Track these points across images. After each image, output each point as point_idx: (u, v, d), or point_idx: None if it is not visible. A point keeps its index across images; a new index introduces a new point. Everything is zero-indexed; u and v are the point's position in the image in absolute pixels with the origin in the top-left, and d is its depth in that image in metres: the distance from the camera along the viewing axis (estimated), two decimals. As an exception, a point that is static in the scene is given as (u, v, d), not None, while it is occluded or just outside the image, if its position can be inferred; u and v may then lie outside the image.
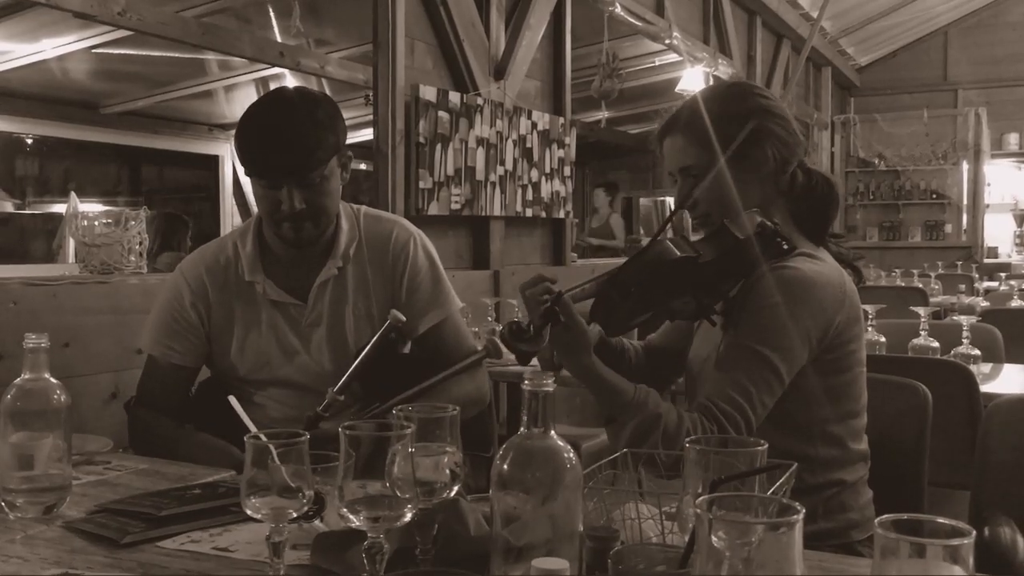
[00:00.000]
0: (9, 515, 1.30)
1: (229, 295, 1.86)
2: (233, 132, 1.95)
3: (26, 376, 1.32)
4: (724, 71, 6.71)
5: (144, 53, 5.68)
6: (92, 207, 7.13)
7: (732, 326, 1.51)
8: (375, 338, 1.73)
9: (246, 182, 8.40)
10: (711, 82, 6.33)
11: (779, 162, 1.58)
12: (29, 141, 7.35)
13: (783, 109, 1.64)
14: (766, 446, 0.98)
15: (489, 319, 3.43)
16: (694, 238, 1.52)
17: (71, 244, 5.88)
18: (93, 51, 5.55)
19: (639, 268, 1.42)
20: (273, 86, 7.22)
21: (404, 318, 1.76)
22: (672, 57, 6.65)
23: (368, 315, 1.85)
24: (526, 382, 0.96)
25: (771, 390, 1.44)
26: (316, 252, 1.84)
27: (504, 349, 1.52)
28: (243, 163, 1.75)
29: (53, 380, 1.33)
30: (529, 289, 1.42)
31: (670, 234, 1.49)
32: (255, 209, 1.88)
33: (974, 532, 0.70)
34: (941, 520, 0.74)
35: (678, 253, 1.43)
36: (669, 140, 1.62)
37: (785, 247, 1.46)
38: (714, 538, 0.73)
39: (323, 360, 1.83)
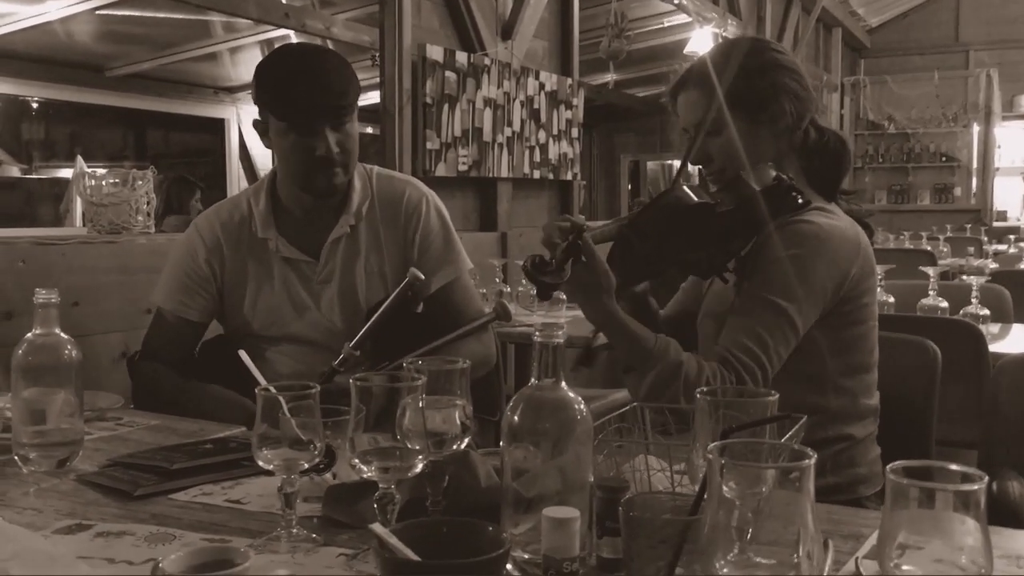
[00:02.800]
0: (23, 468, 1.32)
1: (243, 252, 1.87)
2: (239, 95, 1.95)
3: (37, 331, 1.32)
4: (733, 32, 6.64)
5: (148, 15, 5.64)
6: (98, 171, 7.12)
7: (747, 279, 1.51)
8: (393, 295, 1.75)
9: (253, 144, 8.37)
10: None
11: (795, 117, 1.58)
12: (34, 104, 7.32)
13: (798, 65, 1.63)
14: (776, 396, 0.98)
15: (496, 280, 3.43)
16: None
17: (78, 208, 5.88)
18: (97, 13, 5.51)
19: (658, 211, 1.43)
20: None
21: (423, 276, 1.77)
22: (681, 18, 6.58)
23: (380, 273, 1.86)
24: (536, 333, 0.96)
25: (787, 341, 1.45)
26: (328, 210, 1.85)
27: (512, 311, 1.52)
28: (279, 110, 1.74)
29: (64, 335, 1.34)
30: (554, 222, 1.40)
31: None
32: (261, 173, 1.88)
33: (986, 477, 0.70)
34: (953, 466, 0.74)
35: (696, 199, 1.42)
36: (684, 96, 1.61)
37: (800, 201, 1.46)
38: (725, 488, 0.73)
39: (334, 317, 1.84)
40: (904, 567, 0.74)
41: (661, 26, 7.09)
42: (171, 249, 1.96)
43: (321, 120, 1.72)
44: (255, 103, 1.80)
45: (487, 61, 4.00)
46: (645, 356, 1.42)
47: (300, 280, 1.86)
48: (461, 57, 3.84)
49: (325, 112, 1.72)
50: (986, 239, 7.02)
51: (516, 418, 0.95)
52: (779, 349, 1.43)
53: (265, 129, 1.79)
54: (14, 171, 7.40)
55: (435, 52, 3.69)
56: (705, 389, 1.00)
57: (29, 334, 1.32)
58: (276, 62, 1.80)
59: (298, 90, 1.72)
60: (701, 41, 6.15)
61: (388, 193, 1.90)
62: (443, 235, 1.90)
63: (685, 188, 1.45)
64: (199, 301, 1.87)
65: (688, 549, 0.82)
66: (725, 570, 0.71)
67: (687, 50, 6.28)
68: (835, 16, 9.32)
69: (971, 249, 5.73)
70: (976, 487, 0.70)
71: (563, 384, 0.96)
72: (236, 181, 8.50)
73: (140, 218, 2.55)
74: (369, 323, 1.72)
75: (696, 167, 1.65)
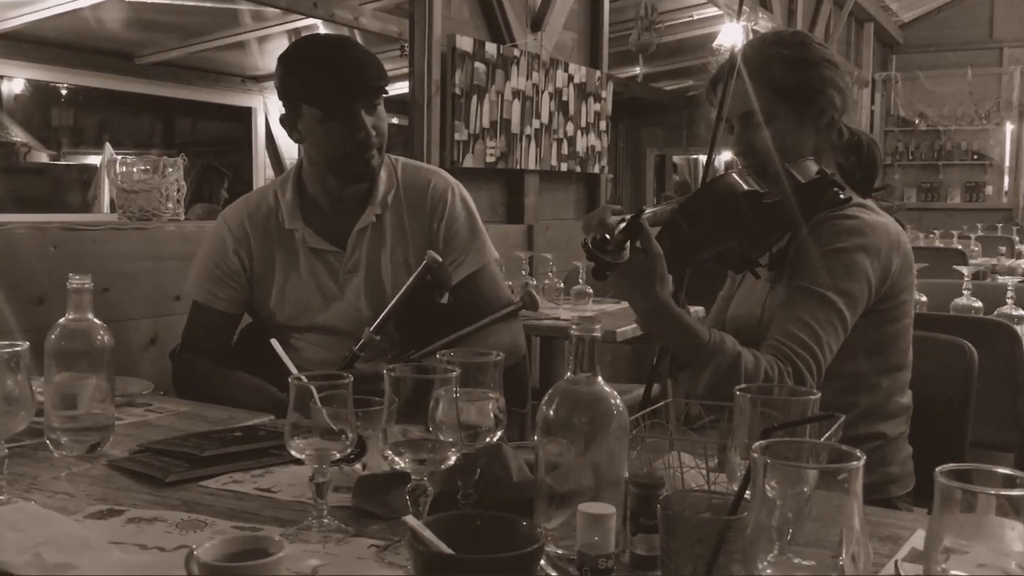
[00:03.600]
0: (54, 453, 1.32)
1: (270, 243, 1.88)
2: (267, 84, 1.96)
3: (70, 316, 1.33)
4: (764, 25, 6.58)
5: (178, 3, 5.65)
6: (128, 158, 7.17)
7: (789, 273, 1.49)
8: (411, 278, 1.76)
9: (280, 134, 8.39)
10: (751, 37, 6.21)
11: (839, 111, 1.57)
12: (64, 91, 7.37)
13: (840, 60, 1.62)
14: (819, 396, 0.97)
15: (523, 273, 3.41)
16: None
17: (106, 194, 5.92)
18: (127, 0, 5.54)
19: (709, 196, 1.42)
20: (306, 37, 7.19)
21: (440, 258, 1.78)
22: (711, 11, 6.53)
23: (405, 262, 1.86)
24: (574, 327, 0.94)
25: (837, 334, 1.43)
26: (355, 200, 1.85)
27: (540, 300, 1.51)
28: (315, 96, 1.74)
29: (96, 321, 1.34)
30: (600, 212, 1.36)
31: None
32: (287, 162, 1.89)
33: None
34: (999, 469, 0.72)
35: (746, 187, 1.41)
36: (731, 84, 1.57)
37: (841, 196, 1.44)
38: (767, 487, 0.72)
39: (361, 306, 1.84)
40: (951, 572, 0.72)
41: (691, 19, 7.03)
42: (201, 240, 1.97)
43: (359, 103, 1.74)
44: (281, 97, 1.80)
45: (516, 52, 3.98)
46: (699, 350, 1.36)
47: (327, 270, 1.86)
48: (490, 48, 3.83)
49: (362, 94, 1.74)
50: (1018, 239, 6.91)
51: (551, 412, 0.94)
52: (830, 341, 1.42)
53: (294, 122, 1.79)
54: (43, 157, 7.46)
55: (464, 43, 3.68)
56: (744, 386, 0.98)
57: (62, 319, 1.33)
58: (305, 51, 1.82)
59: (335, 74, 1.73)
60: (731, 34, 6.09)
61: (414, 183, 1.90)
62: (469, 225, 1.90)
63: (735, 175, 1.44)
64: (229, 292, 1.88)
65: (725, 550, 0.80)
66: (768, 571, 0.70)
67: (716, 43, 6.23)
68: (867, 10, 9.22)
69: (1003, 248, 5.64)
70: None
71: (599, 379, 0.95)
72: (262, 170, 8.53)
73: (170, 205, 2.56)
74: (388, 307, 1.74)
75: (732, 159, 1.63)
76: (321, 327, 1.86)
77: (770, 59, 1.53)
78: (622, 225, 1.32)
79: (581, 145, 4.58)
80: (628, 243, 1.32)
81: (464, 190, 1.95)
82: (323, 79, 1.74)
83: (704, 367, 1.36)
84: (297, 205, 1.87)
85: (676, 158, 11.78)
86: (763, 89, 1.53)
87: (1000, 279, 2.84)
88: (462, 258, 1.87)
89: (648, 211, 1.37)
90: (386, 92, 1.78)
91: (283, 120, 1.82)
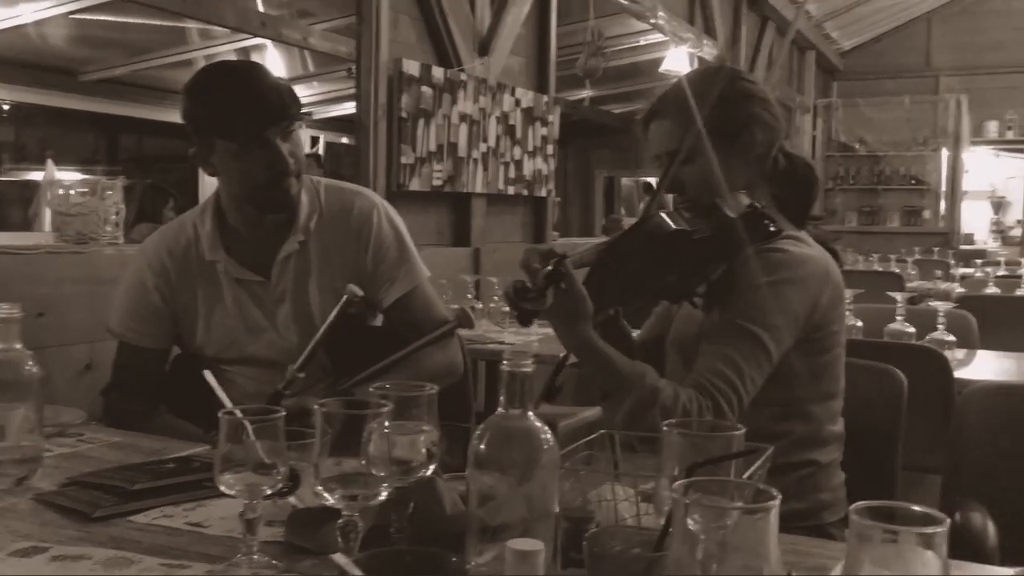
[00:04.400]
0: (-21, 487, 1.29)
1: (191, 276, 1.83)
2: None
3: (-3, 346, 1.30)
4: (709, 52, 6.70)
5: (124, 20, 5.60)
6: (69, 175, 7.05)
7: (719, 306, 1.51)
8: (333, 314, 1.71)
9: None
10: (695, 63, 6.32)
11: (765, 146, 1.60)
12: (6, 107, 7.25)
13: (767, 94, 1.65)
14: (743, 431, 0.98)
15: (469, 296, 3.42)
16: None
17: (48, 212, 5.81)
18: (71, 17, 5.47)
19: (636, 238, 1.43)
20: (254, 56, 7.14)
21: (361, 292, 1.73)
22: (657, 37, 6.62)
23: (333, 289, 1.80)
24: (504, 362, 0.95)
25: (761, 368, 1.45)
26: (277, 227, 1.81)
27: (475, 318, 1.50)
28: (227, 130, 1.69)
29: (25, 350, 1.32)
30: (530, 255, 1.38)
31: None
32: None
33: (948, 520, 0.70)
34: (915, 508, 0.74)
35: (674, 226, 1.43)
36: (656, 124, 1.61)
37: (772, 229, 1.47)
38: (690, 521, 0.73)
39: (290, 335, 1.81)
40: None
41: (637, 44, 7.14)
42: (121, 275, 1.91)
43: (273, 132, 1.68)
44: (190, 130, 1.73)
45: (463, 76, 4.01)
46: (621, 382, 1.41)
47: (253, 301, 1.82)
48: (437, 72, 3.84)
49: (276, 121, 1.69)
50: (953, 262, 7.10)
51: (483, 447, 0.95)
52: (754, 376, 1.44)
53: (207, 156, 1.73)
54: (-17, 173, 7.31)
55: (411, 66, 3.69)
56: (673, 421, 1.00)
57: (-12, 349, 1.30)
58: (213, 81, 1.75)
59: (246, 105, 1.68)
60: (677, 60, 6.20)
61: (337, 205, 1.85)
62: (397, 245, 1.86)
63: (663, 215, 1.46)
64: (152, 328, 1.84)
65: (652, 584, 0.82)
66: (689, 609, 0.71)
67: (663, 68, 6.33)
68: (809, 39, 9.43)
69: (939, 272, 5.80)
70: (939, 529, 0.71)
71: (530, 413, 0.96)
72: (208, 188, 8.43)
73: (108, 228, 2.52)
74: (310, 345, 1.69)
75: (669, 195, 1.65)
76: (251, 358, 1.82)
77: (692, 98, 1.56)
78: (546, 270, 1.33)
79: (528, 169, 4.62)
80: (550, 289, 1.33)
81: (391, 209, 1.91)
82: (235, 109, 1.68)
83: (622, 399, 1.40)
84: (217, 235, 1.82)
85: (625, 180, 11.91)
86: (685, 128, 1.56)
87: (935, 304, 2.91)
88: (392, 280, 1.84)
89: (573, 255, 1.39)
90: (300, 119, 1.74)
91: (194, 155, 1.75)
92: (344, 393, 1.64)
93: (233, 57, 7.16)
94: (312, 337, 1.72)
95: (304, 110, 1.77)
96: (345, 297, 1.71)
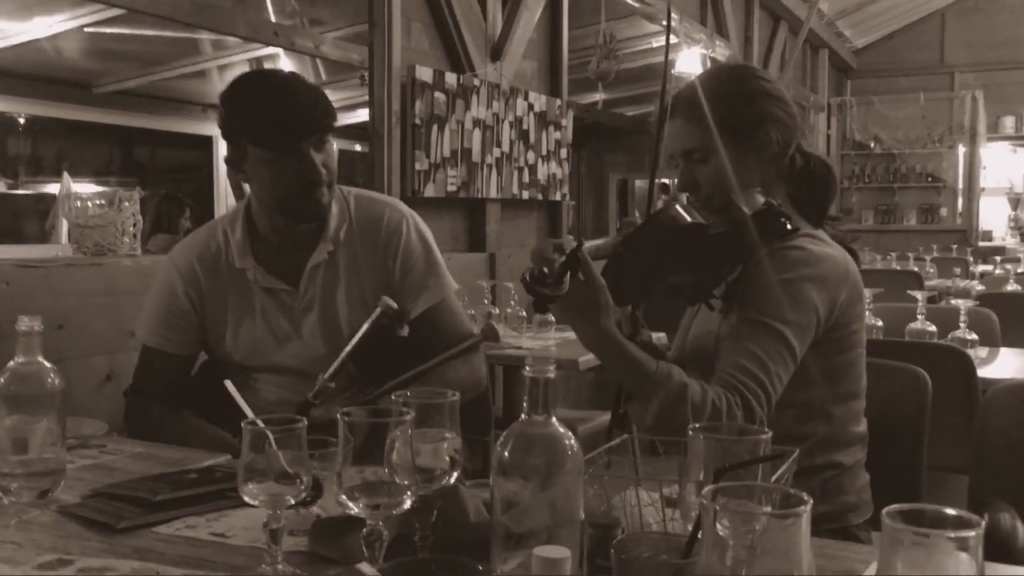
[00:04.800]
0: (3, 499, 1.29)
1: (221, 283, 1.84)
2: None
3: (19, 360, 1.30)
4: (721, 53, 6.68)
5: (137, 32, 5.63)
6: (85, 187, 7.10)
7: (738, 305, 1.50)
8: (366, 325, 1.72)
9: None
10: (708, 64, 6.31)
11: (780, 144, 1.58)
12: (21, 120, 7.30)
13: (783, 92, 1.63)
14: (770, 434, 0.97)
15: (485, 302, 3.42)
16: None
17: (64, 224, 5.85)
18: (86, 30, 5.50)
19: (652, 230, 1.42)
20: (267, 66, 7.18)
21: (395, 305, 1.74)
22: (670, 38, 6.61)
23: (361, 298, 1.81)
24: (527, 368, 0.94)
25: (786, 364, 1.43)
26: (306, 236, 1.81)
27: (500, 332, 1.51)
28: (262, 137, 1.70)
29: (47, 364, 1.32)
30: (544, 243, 1.36)
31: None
32: (248, 190, 1.85)
33: (983, 522, 0.69)
34: (948, 510, 0.73)
35: (689, 219, 1.42)
36: (670, 124, 1.60)
37: (789, 227, 1.45)
38: (719, 526, 0.72)
39: (316, 344, 1.81)
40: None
41: (649, 46, 7.12)
42: (152, 281, 1.93)
43: (307, 142, 1.69)
44: (225, 136, 1.75)
45: (476, 82, 4.01)
46: (646, 381, 1.37)
47: (281, 309, 1.82)
48: (450, 78, 3.85)
49: (311, 132, 1.70)
50: (972, 259, 7.05)
51: (506, 453, 0.94)
52: (779, 372, 1.42)
53: (239, 162, 1.74)
54: (0, 186, 7.37)
55: (424, 73, 3.69)
56: (698, 424, 0.99)
57: (11, 362, 1.30)
58: (248, 90, 1.76)
59: (282, 113, 1.69)
60: (689, 61, 6.18)
61: (367, 216, 1.86)
62: (425, 257, 1.86)
63: (678, 208, 1.45)
64: (180, 334, 1.84)
65: (681, 590, 0.81)
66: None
67: (675, 70, 6.31)
68: (822, 37, 9.39)
69: (957, 270, 5.75)
70: (974, 533, 0.69)
71: (553, 419, 0.95)
72: (224, 198, 8.47)
73: (126, 239, 2.53)
74: (342, 355, 1.69)
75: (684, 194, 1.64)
76: (277, 367, 1.82)
77: (706, 97, 1.55)
78: (562, 259, 1.32)
79: (542, 173, 4.61)
80: (567, 276, 1.31)
81: (420, 221, 1.91)
82: (269, 119, 1.69)
83: (651, 398, 1.36)
84: (247, 243, 1.82)
85: (639, 182, 11.89)
86: (699, 127, 1.55)
87: (954, 301, 2.89)
88: (420, 292, 1.84)
89: (590, 244, 1.38)
90: (334, 130, 1.74)
91: (228, 160, 1.77)
92: (370, 403, 1.64)
93: (246, 67, 7.20)
94: (339, 347, 1.73)
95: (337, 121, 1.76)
96: (379, 309, 1.72)
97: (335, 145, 1.78)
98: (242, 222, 1.84)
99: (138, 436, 1.76)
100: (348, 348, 1.70)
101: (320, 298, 1.82)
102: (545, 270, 1.30)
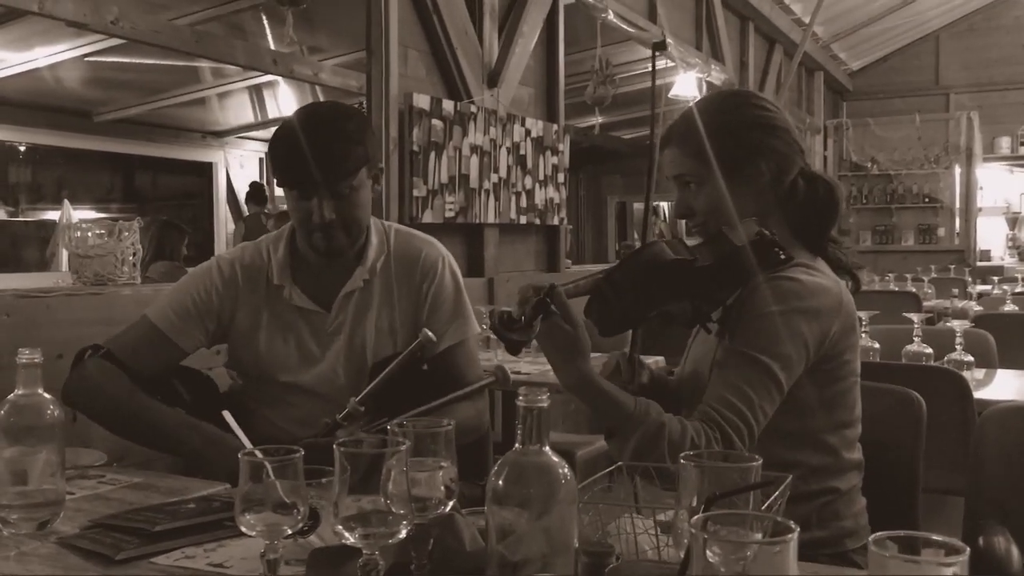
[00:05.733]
0: (3, 531, 1.30)
1: (258, 296, 1.88)
2: (228, 139, 1.97)
3: (19, 392, 1.31)
4: (717, 77, 6.73)
5: (137, 61, 5.68)
6: (86, 214, 7.13)
7: (729, 334, 1.50)
8: (403, 355, 1.76)
9: (239, 189, 8.40)
10: (704, 88, 6.35)
11: (775, 174, 1.58)
12: (22, 149, 7.35)
13: (782, 119, 1.62)
14: (760, 461, 0.98)
15: (483, 327, 3.42)
16: (691, 243, 1.53)
17: (64, 252, 5.88)
18: (86, 59, 5.56)
19: (634, 267, 1.42)
20: (266, 93, 7.25)
21: (435, 338, 1.79)
22: (665, 63, 6.66)
23: (390, 329, 1.87)
24: (520, 398, 0.96)
25: (771, 398, 1.43)
26: (345, 263, 1.86)
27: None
28: (274, 174, 1.83)
29: (47, 396, 1.33)
30: (527, 285, 1.37)
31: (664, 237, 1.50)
32: (247, 214, 1.90)
33: (968, 549, 0.70)
34: (936, 537, 0.74)
35: (673, 255, 1.43)
36: (667, 151, 1.62)
37: (782, 257, 1.45)
38: (709, 554, 0.73)
39: (339, 369, 1.85)
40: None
41: (646, 70, 7.16)
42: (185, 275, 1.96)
43: (314, 189, 1.75)
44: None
45: (473, 108, 4.04)
46: (624, 420, 1.39)
47: (309, 330, 1.86)
48: (448, 105, 3.88)
49: (315, 183, 1.74)
50: (970, 279, 7.07)
51: (500, 482, 0.95)
52: (764, 406, 1.42)
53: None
54: (1, 214, 7.40)
55: (422, 100, 3.73)
56: (690, 453, 1.00)
57: (11, 395, 1.32)
58: (281, 129, 1.82)
59: (290, 162, 1.76)
60: (685, 85, 6.23)
61: (405, 251, 1.92)
62: (455, 297, 1.92)
63: (662, 244, 1.45)
64: (192, 330, 1.84)
65: (673, 618, 0.82)
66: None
67: (671, 94, 6.36)
68: (817, 60, 9.47)
69: (955, 290, 5.76)
70: (960, 559, 0.70)
71: (547, 448, 0.96)
72: (224, 224, 8.51)
73: (125, 269, 2.55)
74: (376, 380, 1.73)
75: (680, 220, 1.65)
76: (297, 387, 1.85)
77: (696, 126, 1.56)
78: (534, 300, 1.32)
79: (540, 198, 4.64)
80: (538, 320, 1.31)
81: (455, 263, 1.96)
82: (279, 167, 1.80)
83: (629, 436, 1.37)
84: (288, 263, 1.88)
85: (637, 205, 11.93)
86: (692, 158, 1.56)
87: (952, 323, 2.90)
88: (445, 330, 1.88)
89: (569, 282, 1.38)
90: (350, 178, 1.76)
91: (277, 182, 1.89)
92: (381, 433, 1.66)
93: (245, 95, 7.24)
94: (361, 372, 1.78)
95: (369, 165, 1.79)
96: (419, 339, 1.76)
97: (362, 191, 1.79)
98: (286, 242, 1.90)
99: (78, 403, 1.72)
100: (383, 374, 1.73)
101: (350, 324, 1.86)
102: (513, 315, 1.31)
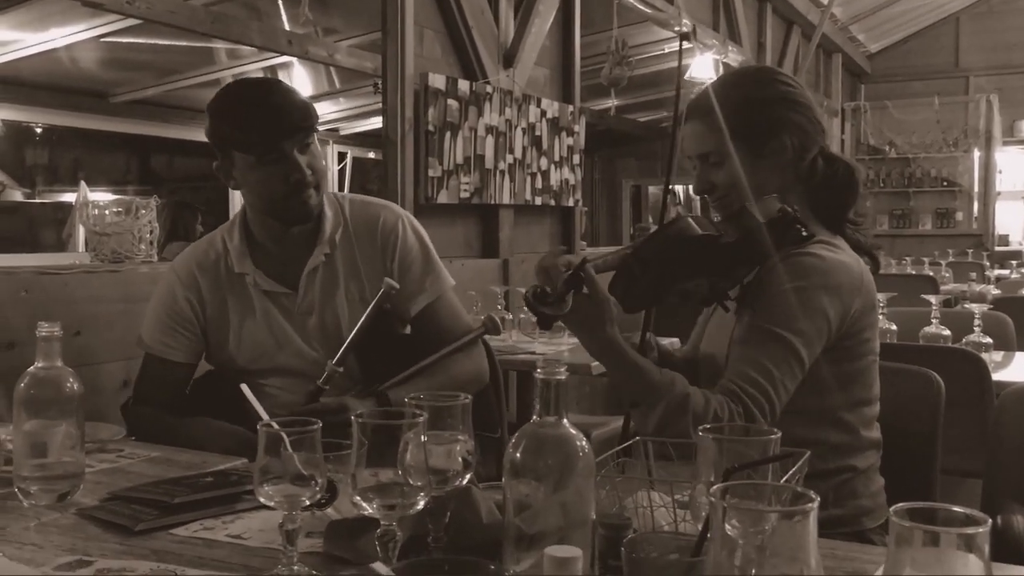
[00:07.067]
0: (23, 502, 1.31)
1: (221, 289, 1.87)
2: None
3: (39, 364, 1.33)
4: (734, 58, 6.68)
5: (153, 42, 5.68)
6: (102, 196, 7.15)
7: (749, 310, 1.49)
8: (370, 307, 1.76)
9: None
10: (721, 69, 6.31)
11: (797, 150, 1.57)
12: (39, 130, 7.37)
13: (805, 96, 1.61)
14: (779, 435, 0.98)
15: (499, 307, 3.43)
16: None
17: (81, 233, 5.91)
18: (102, 40, 5.55)
19: (662, 242, 1.43)
20: (282, 75, 7.22)
21: (398, 285, 1.78)
22: (682, 44, 6.61)
23: (361, 299, 1.85)
24: (538, 370, 0.96)
25: (793, 374, 1.43)
26: (302, 240, 1.85)
27: (502, 325, 1.52)
28: (245, 143, 1.74)
29: (66, 368, 1.34)
30: (549, 259, 1.38)
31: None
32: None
33: (990, 520, 0.70)
34: (956, 508, 0.74)
35: (700, 231, 1.43)
36: (688, 126, 1.61)
37: (804, 234, 1.44)
38: (728, 526, 0.73)
39: (317, 346, 1.84)
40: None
41: (662, 52, 7.13)
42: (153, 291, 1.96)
43: (289, 144, 1.73)
44: (213, 145, 1.80)
45: (489, 89, 4.03)
46: (650, 389, 1.39)
47: (281, 312, 1.86)
48: (463, 85, 3.87)
49: (291, 135, 1.73)
50: (988, 264, 7.02)
51: (518, 455, 0.95)
52: (786, 382, 1.42)
53: (229, 170, 1.79)
54: (17, 195, 7.44)
55: (437, 80, 3.71)
56: (708, 426, 1.00)
57: (31, 367, 1.33)
58: (231, 98, 1.81)
59: (262, 118, 1.73)
60: (702, 67, 6.18)
61: (362, 218, 1.90)
62: (422, 255, 1.90)
63: (689, 219, 1.46)
64: (182, 342, 1.87)
65: (691, 589, 0.81)
66: (729, 613, 0.71)
67: (688, 76, 6.32)
68: (835, 42, 9.38)
69: (973, 274, 5.72)
70: (981, 530, 0.70)
71: (565, 421, 0.96)
72: (238, 205, 8.51)
73: (143, 247, 2.56)
74: (349, 338, 1.73)
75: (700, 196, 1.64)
76: (280, 369, 1.85)
77: (722, 102, 1.55)
78: (566, 275, 1.32)
79: (555, 179, 4.62)
80: (570, 294, 1.32)
81: (415, 220, 1.95)
82: (251, 123, 1.74)
83: (653, 407, 1.38)
84: (245, 249, 1.86)
85: (652, 188, 11.89)
86: (714, 132, 1.55)
87: (970, 306, 2.88)
88: (418, 289, 1.88)
89: (596, 257, 1.39)
90: (316, 131, 1.78)
91: (217, 169, 1.81)
92: (379, 394, 1.68)
93: (260, 75, 7.23)
94: (340, 347, 1.76)
95: (330, 125, 1.81)
96: (383, 289, 1.76)
97: (320, 147, 1.82)
98: (239, 228, 1.88)
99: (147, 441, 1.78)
100: (354, 331, 1.74)
101: (320, 300, 1.85)
102: (547, 289, 1.32)
